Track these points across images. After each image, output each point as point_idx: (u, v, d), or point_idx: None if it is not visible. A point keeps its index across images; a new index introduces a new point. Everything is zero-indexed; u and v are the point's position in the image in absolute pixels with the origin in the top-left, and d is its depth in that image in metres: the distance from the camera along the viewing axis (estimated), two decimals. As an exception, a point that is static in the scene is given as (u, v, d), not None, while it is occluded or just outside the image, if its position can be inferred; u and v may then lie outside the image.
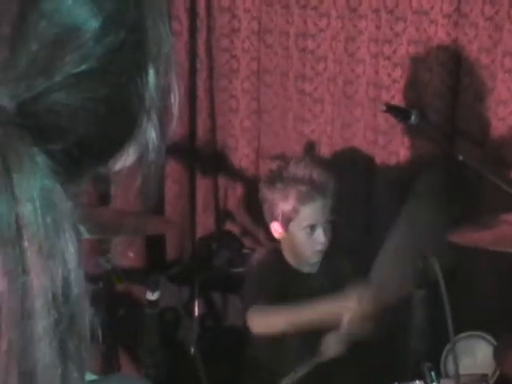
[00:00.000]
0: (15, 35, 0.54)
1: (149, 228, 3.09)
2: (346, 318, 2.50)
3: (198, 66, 3.60)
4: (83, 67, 0.56)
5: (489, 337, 2.74)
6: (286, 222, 2.69)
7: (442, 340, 2.36)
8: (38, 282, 0.51)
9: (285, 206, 2.67)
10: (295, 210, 2.66)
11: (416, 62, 3.09)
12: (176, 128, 0.67)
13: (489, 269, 2.91)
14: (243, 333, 2.83)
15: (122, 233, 2.62)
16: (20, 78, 0.54)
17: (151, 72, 0.62)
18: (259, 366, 2.78)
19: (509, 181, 2.68)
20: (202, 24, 3.57)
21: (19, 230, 0.51)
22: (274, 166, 2.94)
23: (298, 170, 2.69)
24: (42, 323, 0.51)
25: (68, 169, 0.55)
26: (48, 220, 0.52)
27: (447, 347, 2.44)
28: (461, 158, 2.64)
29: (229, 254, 3.51)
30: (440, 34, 3.01)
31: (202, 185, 3.74)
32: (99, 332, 0.57)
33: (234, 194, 3.71)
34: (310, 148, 3.45)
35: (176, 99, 0.65)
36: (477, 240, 2.29)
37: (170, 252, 3.77)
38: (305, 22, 3.36)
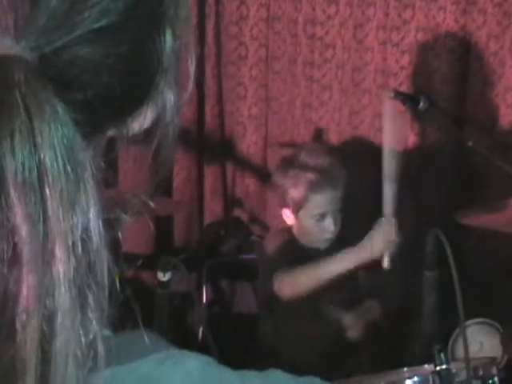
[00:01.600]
0: None
1: (157, 208, 3.09)
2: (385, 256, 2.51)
3: (207, 52, 3.60)
4: (103, 22, 0.57)
5: (496, 323, 2.74)
6: (297, 209, 2.71)
7: (449, 323, 2.37)
8: (59, 227, 0.52)
9: (295, 193, 2.69)
10: (305, 198, 2.67)
11: (424, 48, 3.09)
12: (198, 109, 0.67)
13: (497, 253, 2.92)
14: (252, 318, 2.84)
15: (130, 213, 2.62)
16: (41, 32, 0.56)
17: (168, 32, 0.63)
18: (268, 351, 2.79)
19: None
20: (210, 10, 3.57)
21: (40, 176, 0.52)
22: (284, 152, 2.94)
23: (310, 158, 2.70)
24: (61, 268, 0.52)
25: (88, 120, 0.56)
26: (68, 168, 0.53)
27: (456, 331, 2.44)
28: (470, 143, 2.64)
29: (237, 241, 3.52)
30: (448, 21, 3.01)
31: (210, 171, 3.75)
32: (117, 284, 0.58)
33: (241, 180, 3.71)
34: (318, 135, 3.45)
35: (193, 62, 0.65)
36: (487, 222, 2.29)
37: (178, 238, 3.78)
38: (313, 9, 3.36)
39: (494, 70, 2.98)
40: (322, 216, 2.69)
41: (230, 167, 3.74)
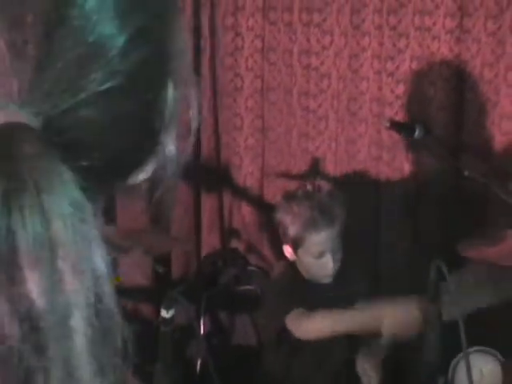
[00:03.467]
0: (41, 54, 0.55)
1: (156, 247, 3.10)
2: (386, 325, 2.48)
3: (202, 84, 3.61)
4: (109, 84, 0.56)
5: (496, 352, 2.73)
6: (296, 247, 2.70)
7: (449, 353, 2.36)
8: (76, 299, 0.51)
9: (294, 231, 2.68)
10: (303, 237, 2.66)
11: (419, 77, 3.10)
12: (195, 141, 0.67)
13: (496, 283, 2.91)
14: (250, 350, 2.83)
15: (130, 252, 2.62)
16: (46, 97, 0.55)
17: (170, 85, 0.62)
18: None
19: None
20: (205, 43, 3.59)
21: (53, 248, 0.51)
22: (281, 183, 2.92)
23: (310, 196, 2.68)
24: (80, 340, 0.51)
25: (94, 185, 0.55)
26: (78, 237, 0.52)
27: (455, 360, 2.43)
28: (466, 173, 2.65)
29: (234, 272, 3.51)
30: (443, 50, 3.03)
31: (207, 203, 3.75)
32: (131, 346, 0.56)
33: (238, 211, 3.71)
34: (315, 165, 3.45)
35: (195, 112, 0.65)
36: (487, 254, 2.28)
37: (176, 270, 3.78)
38: (308, 40, 3.38)
39: (489, 98, 2.99)
40: (321, 254, 2.67)
41: (227, 198, 3.74)
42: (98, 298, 0.53)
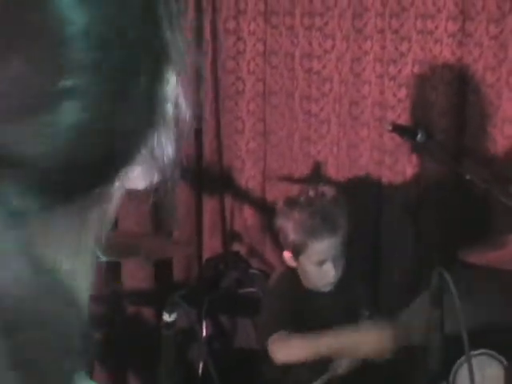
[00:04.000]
0: None
1: (158, 250, 3.10)
2: (364, 348, 2.51)
3: (204, 88, 3.62)
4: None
5: (499, 355, 2.73)
6: (297, 254, 2.66)
7: (451, 357, 2.36)
8: None
9: (295, 238, 2.63)
10: (304, 244, 2.62)
11: (421, 81, 3.10)
12: (197, 144, 0.65)
13: (499, 288, 2.91)
14: (252, 354, 2.82)
15: (132, 256, 2.62)
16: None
17: (166, 81, 0.57)
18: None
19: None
20: (207, 46, 3.59)
21: None
22: (283, 186, 2.89)
23: (313, 202, 2.63)
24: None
25: (62, 188, 0.51)
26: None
27: (457, 363, 2.43)
28: (468, 177, 2.65)
29: (236, 275, 3.51)
30: (445, 54, 3.03)
31: (209, 206, 3.75)
32: (94, 352, 0.55)
33: (240, 215, 3.71)
34: (317, 168, 3.46)
35: (187, 111, 0.62)
36: (489, 260, 2.28)
37: (178, 273, 3.78)
38: (310, 44, 3.38)
39: (492, 101, 2.99)
40: (322, 262, 2.62)
41: (228, 201, 3.74)
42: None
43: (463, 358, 2.26)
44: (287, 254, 2.71)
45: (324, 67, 3.37)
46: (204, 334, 3.26)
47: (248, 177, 3.67)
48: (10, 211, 0.48)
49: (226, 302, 3.44)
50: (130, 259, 3.27)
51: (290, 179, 3.51)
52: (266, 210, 3.55)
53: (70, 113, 0.49)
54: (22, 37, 0.47)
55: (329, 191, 2.71)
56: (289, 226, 2.65)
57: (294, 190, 3.20)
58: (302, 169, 3.50)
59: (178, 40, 0.56)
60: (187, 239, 3.74)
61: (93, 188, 0.55)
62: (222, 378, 2.79)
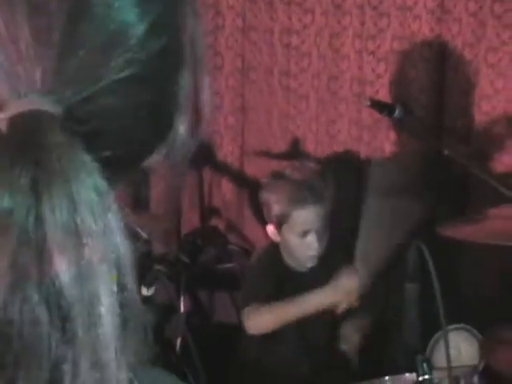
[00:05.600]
0: (64, 41, 0.54)
1: (136, 225, 3.09)
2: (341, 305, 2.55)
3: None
4: (127, 72, 0.56)
5: (474, 330, 2.75)
6: (279, 225, 2.66)
7: (428, 332, 2.37)
8: (103, 287, 0.52)
9: (278, 208, 2.63)
10: (287, 214, 2.62)
11: (400, 57, 3.11)
12: (209, 127, 0.68)
13: (475, 262, 2.94)
14: (230, 329, 2.83)
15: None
16: (67, 84, 0.55)
17: (185, 73, 0.62)
18: (249, 364, 2.78)
19: (494, 174, 2.70)
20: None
21: (80, 236, 0.51)
22: (261, 162, 2.91)
23: (296, 174, 2.65)
24: (107, 328, 0.52)
25: (111, 173, 0.55)
26: (104, 225, 0.52)
27: (433, 338, 2.45)
28: (446, 152, 2.66)
29: (214, 250, 3.52)
30: (424, 30, 3.03)
31: (187, 181, 3.74)
32: (150, 333, 0.57)
33: (218, 190, 3.71)
34: (295, 144, 3.46)
35: (207, 98, 0.65)
36: (467, 234, 2.30)
37: (156, 248, 3.77)
38: (289, 19, 3.37)
39: (469, 78, 3.00)
40: (305, 233, 2.62)
41: (206, 177, 3.73)
42: (122, 287, 0.53)
43: (440, 333, 2.27)
44: (270, 228, 2.71)
45: (303, 42, 3.37)
46: (182, 309, 3.27)
47: (226, 152, 3.67)
48: (103, 191, 0.54)
49: (205, 277, 3.45)
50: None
51: (268, 155, 3.51)
52: (245, 186, 3.55)
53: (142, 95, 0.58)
54: None
55: (315, 165, 2.73)
56: (272, 198, 2.66)
57: (273, 165, 3.21)
58: (281, 144, 3.50)
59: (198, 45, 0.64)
60: (165, 214, 3.74)
61: (137, 165, 0.63)
62: (200, 352, 2.80)
